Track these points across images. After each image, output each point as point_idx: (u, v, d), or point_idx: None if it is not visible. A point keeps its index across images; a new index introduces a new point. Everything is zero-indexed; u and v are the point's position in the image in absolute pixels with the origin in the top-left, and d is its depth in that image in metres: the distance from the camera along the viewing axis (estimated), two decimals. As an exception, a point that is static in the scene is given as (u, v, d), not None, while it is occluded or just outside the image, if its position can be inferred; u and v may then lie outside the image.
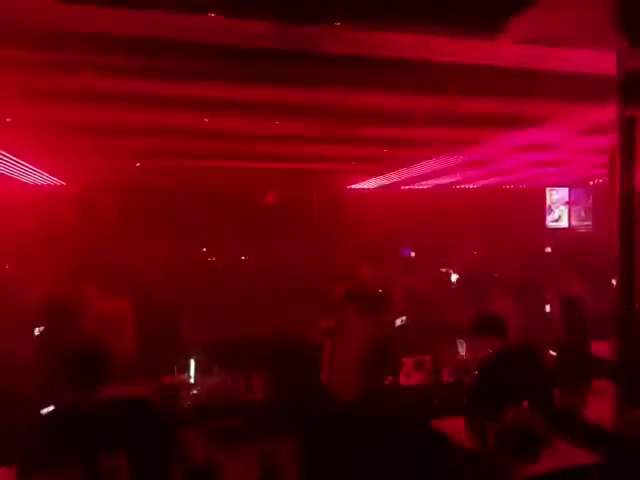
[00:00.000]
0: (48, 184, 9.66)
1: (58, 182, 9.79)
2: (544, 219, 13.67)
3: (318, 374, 4.39)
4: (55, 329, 4.23)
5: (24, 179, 8.80)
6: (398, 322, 5.41)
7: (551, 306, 5.83)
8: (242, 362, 4.59)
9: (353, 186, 11.88)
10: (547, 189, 13.88)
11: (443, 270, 8.11)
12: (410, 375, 4.50)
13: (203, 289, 7.16)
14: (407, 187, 11.99)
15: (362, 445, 3.72)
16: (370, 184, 11.74)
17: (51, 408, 2.91)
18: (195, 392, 4.28)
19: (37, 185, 9.52)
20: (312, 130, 6.99)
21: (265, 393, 4.30)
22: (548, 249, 11.80)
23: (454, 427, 3.31)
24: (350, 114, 6.16)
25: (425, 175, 10.15)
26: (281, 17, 3.68)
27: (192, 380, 4.36)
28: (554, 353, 4.73)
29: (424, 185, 11.93)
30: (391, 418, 3.93)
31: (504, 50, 4.19)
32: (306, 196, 10.88)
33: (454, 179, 11.14)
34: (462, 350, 4.74)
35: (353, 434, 3.77)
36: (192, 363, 4.39)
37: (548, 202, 13.87)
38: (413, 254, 8.84)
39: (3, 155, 7.11)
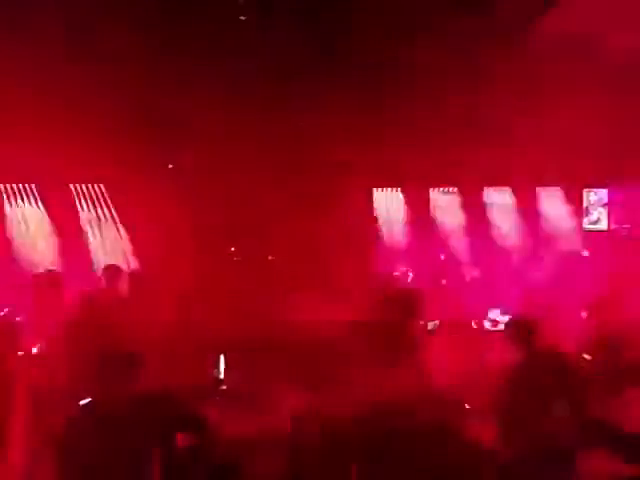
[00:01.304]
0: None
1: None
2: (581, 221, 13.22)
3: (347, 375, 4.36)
4: (90, 328, 4.35)
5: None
6: (430, 326, 5.33)
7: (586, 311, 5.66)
8: (269, 362, 4.63)
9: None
10: (584, 190, 13.41)
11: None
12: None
13: (229, 288, 7.24)
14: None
15: (381, 446, 3.69)
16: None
17: (86, 403, 3.00)
18: (223, 388, 4.35)
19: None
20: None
21: (292, 392, 4.31)
22: (585, 252, 11.41)
23: (483, 434, 3.25)
24: None
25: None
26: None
27: (221, 377, 4.43)
28: (588, 357, 4.60)
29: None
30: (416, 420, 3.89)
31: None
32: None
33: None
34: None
35: (372, 437, 3.75)
36: (221, 361, 4.46)
37: (585, 203, 13.40)
38: (443, 257, 8.73)
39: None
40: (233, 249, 9.40)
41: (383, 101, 6.49)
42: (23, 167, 6.93)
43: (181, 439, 2.72)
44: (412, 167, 7.63)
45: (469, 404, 4.10)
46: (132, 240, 8.32)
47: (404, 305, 4.22)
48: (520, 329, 3.44)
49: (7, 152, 6.24)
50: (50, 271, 5.57)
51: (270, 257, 9.39)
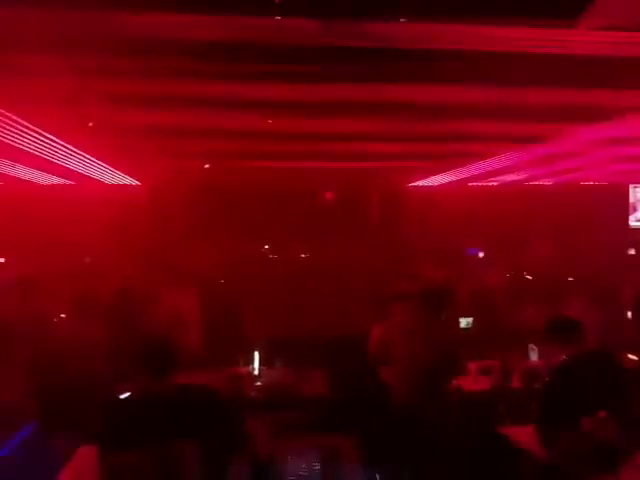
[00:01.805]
0: (124, 184, 10.24)
1: (133, 182, 10.36)
2: (626, 218, 12.72)
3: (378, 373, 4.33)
4: (128, 320, 4.47)
5: (103, 179, 9.37)
6: (463, 323, 5.25)
7: (632, 311, 5.43)
8: (304, 357, 4.64)
9: (415, 183, 11.61)
10: (630, 186, 12.90)
11: (514, 272, 7.77)
12: (476, 380, 4.36)
13: (264, 285, 7.31)
14: (474, 184, 11.59)
15: (424, 450, 3.65)
16: (433, 181, 11.44)
17: (126, 393, 3.07)
18: (258, 384, 4.37)
19: (114, 185, 10.11)
20: (377, 127, 6.91)
21: (326, 389, 4.31)
22: (631, 251, 10.96)
23: (523, 435, 3.16)
24: (416, 110, 6.04)
25: (494, 172, 9.77)
26: (345, 14, 3.67)
27: (256, 372, 4.46)
28: (635, 357, 4.41)
29: (493, 182, 11.48)
30: (456, 424, 3.82)
31: (582, 37, 3.94)
32: (367, 194, 10.76)
33: (525, 175, 10.64)
34: (534, 355, 4.54)
35: (415, 438, 3.70)
36: (256, 356, 4.49)
37: (632, 199, 12.89)
38: (482, 254, 8.52)
39: (85, 157, 7.61)
40: (267, 247, 9.51)
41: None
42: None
43: (220, 433, 2.74)
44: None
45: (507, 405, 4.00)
46: (168, 234, 8.55)
47: (435, 301, 4.14)
48: (563, 328, 3.31)
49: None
50: (90, 262, 5.74)
51: (303, 255, 9.45)
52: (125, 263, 7.08)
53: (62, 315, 4.64)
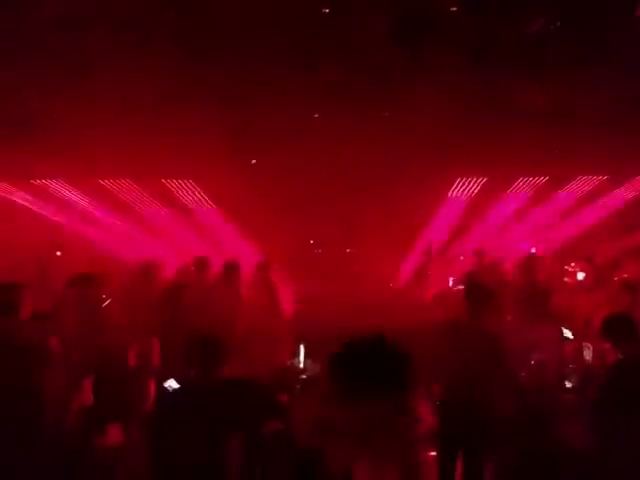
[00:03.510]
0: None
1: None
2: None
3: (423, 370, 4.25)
4: (178, 314, 4.60)
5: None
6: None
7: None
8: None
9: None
10: None
11: (569, 268, 7.41)
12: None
13: (309, 281, 7.34)
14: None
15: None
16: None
17: (176, 386, 3.16)
18: (304, 377, 4.42)
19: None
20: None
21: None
22: None
23: (576, 434, 3.05)
24: None
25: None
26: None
27: (301, 366, 4.51)
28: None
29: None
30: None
31: None
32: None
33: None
34: (588, 355, 4.35)
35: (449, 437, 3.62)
36: (301, 350, 4.54)
37: None
38: (534, 250, 8.22)
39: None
40: (312, 242, 9.56)
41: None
42: (119, 163, 7.44)
43: (266, 425, 2.79)
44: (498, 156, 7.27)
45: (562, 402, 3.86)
46: (214, 232, 8.75)
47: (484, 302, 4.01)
48: (619, 328, 3.16)
49: (104, 149, 6.75)
50: (146, 261, 5.96)
51: (348, 250, 9.44)
52: (176, 260, 7.32)
53: (106, 303, 4.82)
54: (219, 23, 5.34)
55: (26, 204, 8.29)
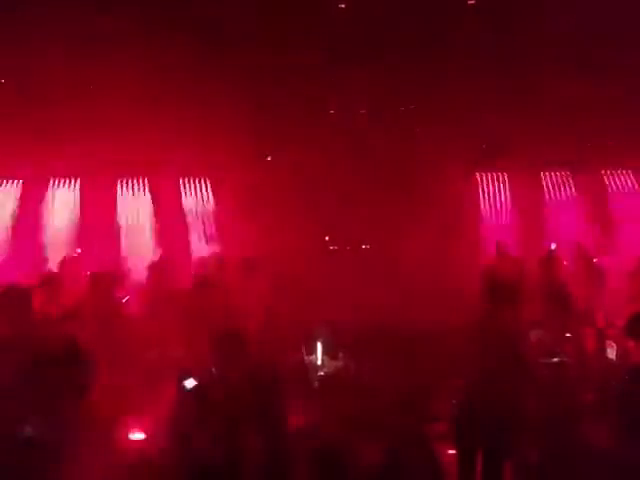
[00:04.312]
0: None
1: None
2: None
3: (447, 366, 4.21)
4: (201, 311, 4.62)
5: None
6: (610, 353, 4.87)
7: None
8: (367, 349, 4.62)
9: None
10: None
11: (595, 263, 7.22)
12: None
13: (326, 277, 7.32)
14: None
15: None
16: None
17: (199, 380, 3.18)
18: (322, 374, 4.42)
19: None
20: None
21: (389, 380, 4.27)
22: None
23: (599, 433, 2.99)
24: None
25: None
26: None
27: (319, 362, 4.51)
28: None
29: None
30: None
31: None
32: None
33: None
34: (611, 353, 4.26)
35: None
36: (319, 346, 4.54)
37: None
38: (554, 246, 8.06)
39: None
40: (327, 238, 9.53)
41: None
42: (136, 161, 7.52)
43: (286, 421, 2.79)
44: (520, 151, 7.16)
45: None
46: (232, 229, 8.78)
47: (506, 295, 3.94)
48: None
49: (122, 148, 6.83)
50: (160, 257, 6.02)
51: (364, 246, 9.38)
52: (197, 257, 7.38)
53: (125, 299, 4.87)
54: (235, 17, 5.36)
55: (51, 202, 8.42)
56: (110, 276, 4.65)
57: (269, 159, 8.39)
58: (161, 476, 2.97)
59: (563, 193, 8.33)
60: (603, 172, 8.20)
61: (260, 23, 5.46)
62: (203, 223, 8.74)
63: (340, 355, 4.58)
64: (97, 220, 8.45)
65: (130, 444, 3.21)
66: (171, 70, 5.87)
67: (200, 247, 8.21)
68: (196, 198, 8.72)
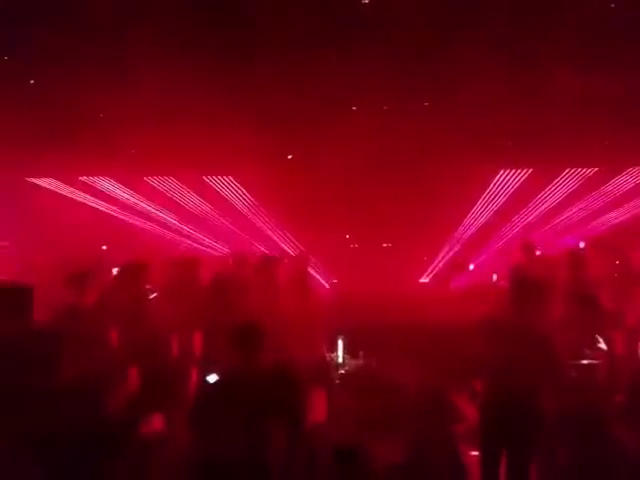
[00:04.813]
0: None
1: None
2: None
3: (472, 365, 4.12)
4: (222, 306, 4.66)
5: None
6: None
7: None
8: (388, 348, 4.58)
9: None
10: None
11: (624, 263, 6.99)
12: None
13: (346, 276, 7.31)
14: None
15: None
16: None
17: (218, 373, 3.20)
18: (342, 372, 4.39)
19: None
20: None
21: (408, 379, 4.23)
22: None
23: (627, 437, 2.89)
24: None
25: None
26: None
27: (340, 360, 4.48)
28: None
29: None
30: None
31: None
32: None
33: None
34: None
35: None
36: (340, 344, 4.52)
37: None
38: (583, 245, 7.86)
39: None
40: (348, 236, 9.51)
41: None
42: (163, 161, 7.63)
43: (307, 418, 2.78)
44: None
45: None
46: (254, 226, 8.85)
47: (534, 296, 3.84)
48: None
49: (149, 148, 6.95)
50: (188, 255, 6.08)
51: (385, 244, 9.33)
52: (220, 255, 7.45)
53: (152, 295, 4.93)
54: (255, 18, 5.39)
55: (76, 200, 8.63)
56: (145, 268, 4.72)
57: (290, 157, 8.42)
58: (182, 471, 3.00)
59: (592, 190, 8.14)
60: (632, 169, 7.99)
61: (281, 21, 5.48)
62: (224, 220, 8.84)
63: (361, 353, 4.54)
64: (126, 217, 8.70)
65: (151, 437, 3.25)
66: (206, 77, 6.00)
67: (221, 244, 8.34)
68: (217, 196, 8.85)
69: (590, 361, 4.15)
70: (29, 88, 6.57)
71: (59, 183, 8.56)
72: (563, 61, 5.73)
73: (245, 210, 8.94)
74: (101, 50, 5.79)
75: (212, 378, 3.30)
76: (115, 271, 5.11)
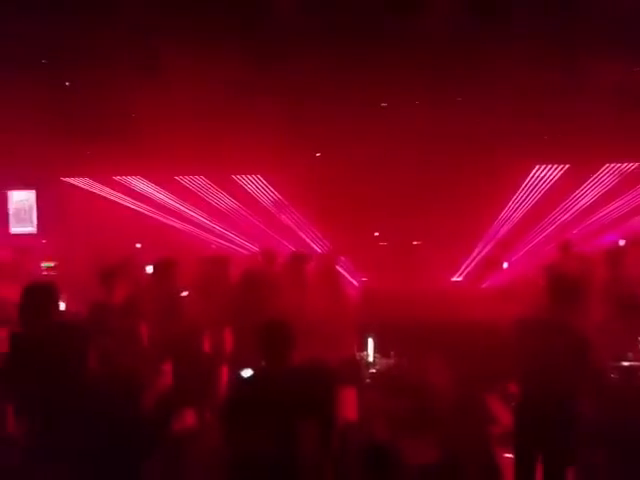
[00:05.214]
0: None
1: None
2: None
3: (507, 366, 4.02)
4: (251, 303, 4.68)
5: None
6: None
7: None
8: (419, 347, 4.52)
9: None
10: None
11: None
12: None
13: (376, 274, 7.26)
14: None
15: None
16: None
17: (249, 373, 3.21)
18: (373, 371, 4.36)
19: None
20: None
21: (441, 379, 4.16)
22: None
23: None
24: None
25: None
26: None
27: (370, 359, 4.45)
28: None
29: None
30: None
31: None
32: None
33: None
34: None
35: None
36: (370, 343, 4.48)
37: None
38: (622, 242, 7.58)
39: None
40: (377, 234, 9.44)
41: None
42: (194, 160, 7.74)
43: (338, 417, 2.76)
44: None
45: None
46: (281, 225, 8.90)
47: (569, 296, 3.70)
48: None
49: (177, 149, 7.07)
50: (219, 253, 6.13)
51: (415, 242, 9.23)
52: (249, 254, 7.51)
53: (184, 293, 4.99)
54: (286, 17, 5.40)
55: (111, 199, 8.86)
56: (177, 265, 4.79)
57: (318, 155, 8.42)
58: (212, 468, 3.02)
59: (632, 186, 7.86)
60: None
61: (311, 19, 5.47)
62: (254, 218, 8.91)
63: (392, 353, 4.49)
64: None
65: (183, 434, 3.29)
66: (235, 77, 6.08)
67: (251, 243, 8.40)
68: (246, 194, 8.93)
69: (632, 363, 4.00)
70: (65, 90, 6.78)
71: (95, 183, 8.81)
72: (601, 53, 5.53)
73: (274, 208, 9.00)
74: (134, 52, 5.91)
75: (246, 372, 3.31)
76: (149, 269, 5.20)
